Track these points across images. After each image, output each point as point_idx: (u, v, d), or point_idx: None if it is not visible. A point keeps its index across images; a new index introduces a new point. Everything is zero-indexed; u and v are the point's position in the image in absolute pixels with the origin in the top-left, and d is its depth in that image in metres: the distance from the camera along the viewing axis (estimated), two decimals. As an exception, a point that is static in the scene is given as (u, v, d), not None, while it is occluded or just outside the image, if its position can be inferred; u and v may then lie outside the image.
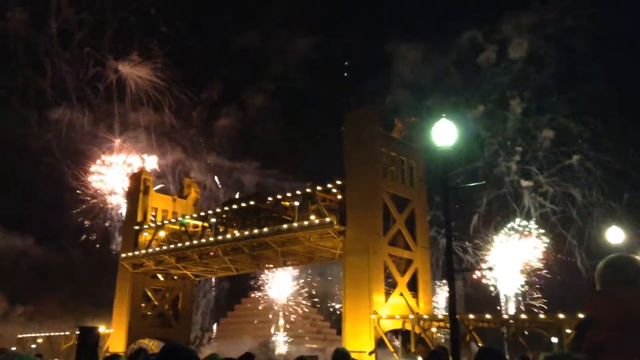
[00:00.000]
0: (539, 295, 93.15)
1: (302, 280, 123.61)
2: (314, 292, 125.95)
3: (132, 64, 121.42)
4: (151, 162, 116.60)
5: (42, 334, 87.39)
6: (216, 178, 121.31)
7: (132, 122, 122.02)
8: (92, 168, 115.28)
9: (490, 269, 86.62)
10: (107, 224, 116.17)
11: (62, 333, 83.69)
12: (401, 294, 58.05)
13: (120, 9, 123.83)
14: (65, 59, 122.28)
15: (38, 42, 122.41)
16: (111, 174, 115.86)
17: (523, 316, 54.12)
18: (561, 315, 48.48)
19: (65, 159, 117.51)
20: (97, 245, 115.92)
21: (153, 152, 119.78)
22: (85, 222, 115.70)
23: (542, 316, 50.88)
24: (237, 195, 78.10)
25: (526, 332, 52.19)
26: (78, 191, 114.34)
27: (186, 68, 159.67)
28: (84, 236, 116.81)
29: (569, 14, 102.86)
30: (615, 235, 24.95)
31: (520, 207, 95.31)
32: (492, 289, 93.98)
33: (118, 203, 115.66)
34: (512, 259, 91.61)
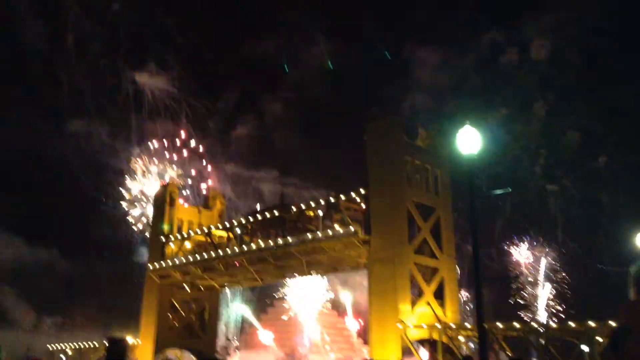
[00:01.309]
0: (568, 303, 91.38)
1: (322, 287, 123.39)
2: (339, 301, 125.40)
3: (148, 74, 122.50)
4: (170, 173, 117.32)
5: (72, 345, 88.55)
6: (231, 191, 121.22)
7: (150, 133, 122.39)
8: (112, 179, 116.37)
9: (513, 279, 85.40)
10: (132, 235, 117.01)
11: (90, 344, 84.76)
12: (428, 303, 57.52)
13: (136, 20, 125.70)
14: (81, 71, 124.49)
15: (54, 54, 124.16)
16: (133, 185, 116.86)
17: (553, 324, 53.14)
18: (591, 323, 47.51)
19: (85, 171, 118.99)
20: (126, 258, 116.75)
21: (171, 162, 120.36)
22: (108, 233, 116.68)
23: (572, 324, 49.85)
24: (257, 206, 78.45)
25: (556, 342, 51.24)
26: (101, 203, 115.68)
27: (202, 77, 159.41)
28: (106, 249, 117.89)
29: (591, 13, 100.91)
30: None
31: (545, 212, 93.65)
32: (520, 297, 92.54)
33: (140, 214, 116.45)
34: (538, 266, 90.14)
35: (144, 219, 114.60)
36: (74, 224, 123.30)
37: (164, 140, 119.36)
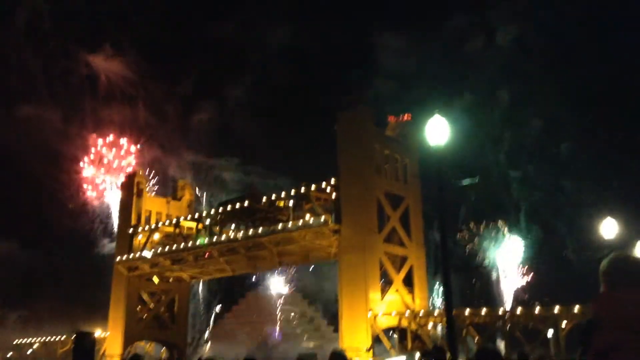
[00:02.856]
0: (533, 289, 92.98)
1: (293, 277, 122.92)
2: (308, 291, 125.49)
3: (104, 57, 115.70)
4: (127, 161, 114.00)
5: (38, 339, 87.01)
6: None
7: (106, 119, 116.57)
8: (69, 167, 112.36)
9: (484, 267, 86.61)
10: (95, 226, 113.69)
11: (58, 338, 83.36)
12: (397, 291, 58.23)
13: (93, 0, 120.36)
14: (32, 52, 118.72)
15: (3, 34, 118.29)
16: (91, 174, 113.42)
17: (519, 311, 54.36)
18: (556, 309, 48.74)
19: (38, 158, 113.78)
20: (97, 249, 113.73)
21: (128, 150, 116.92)
22: (68, 224, 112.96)
23: (537, 310, 51.09)
24: (223, 196, 77.16)
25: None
26: (61, 192, 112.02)
27: (160, 61, 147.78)
28: (66, 240, 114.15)
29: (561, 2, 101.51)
30: (609, 227, 25.05)
31: (509, 198, 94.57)
32: (487, 283, 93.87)
33: (101, 204, 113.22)
34: (504, 252, 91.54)
35: (105, 209, 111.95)
36: (32, 214, 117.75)
37: (120, 126, 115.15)
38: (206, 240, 68.67)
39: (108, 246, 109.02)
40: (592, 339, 3.91)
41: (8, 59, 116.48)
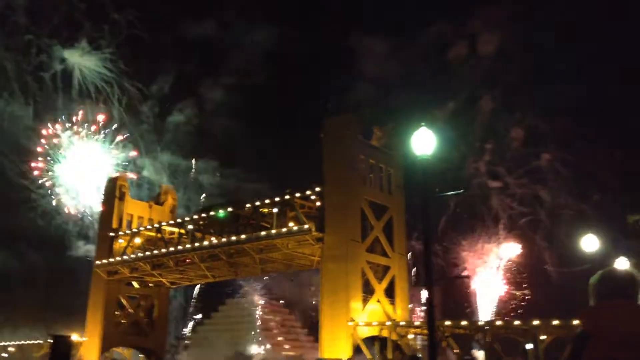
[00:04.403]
0: (514, 301, 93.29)
1: (272, 285, 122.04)
2: (287, 299, 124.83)
3: (79, 53, 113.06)
4: (102, 161, 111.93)
5: (14, 343, 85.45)
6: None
7: (80, 116, 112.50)
8: (41, 166, 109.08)
9: (467, 277, 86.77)
10: (68, 226, 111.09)
11: (34, 341, 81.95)
12: (378, 301, 58.19)
13: None
14: (5, 45, 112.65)
15: None
16: (65, 173, 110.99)
17: (498, 322, 54.60)
18: (536, 322, 49.04)
19: (8, 154, 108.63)
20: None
21: (102, 149, 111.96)
22: (40, 225, 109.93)
23: (517, 323, 51.37)
24: (202, 198, 76.11)
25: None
26: (30, 192, 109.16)
27: (137, 59, 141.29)
28: (38, 241, 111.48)
29: (540, 9, 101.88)
30: (590, 242, 25.31)
31: (488, 209, 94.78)
32: (467, 295, 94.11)
33: (76, 204, 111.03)
34: (483, 263, 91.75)
35: (79, 210, 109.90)
36: (2, 214, 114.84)
37: (94, 124, 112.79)
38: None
39: (83, 248, 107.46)
40: (582, 353, 3.89)
41: None
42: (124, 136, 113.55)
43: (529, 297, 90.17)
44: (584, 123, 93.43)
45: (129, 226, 77.34)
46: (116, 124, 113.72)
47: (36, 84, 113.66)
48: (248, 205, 64.81)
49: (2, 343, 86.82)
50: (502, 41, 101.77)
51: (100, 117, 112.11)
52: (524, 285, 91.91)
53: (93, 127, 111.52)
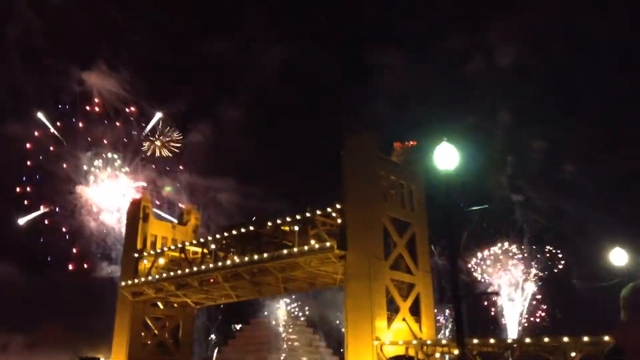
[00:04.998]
0: (540, 317, 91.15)
1: (296, 304, 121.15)
2: (311, 318, 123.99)
3: (98, 75, 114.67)
4: (122, 182, 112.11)
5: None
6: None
7: (99, 138, 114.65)
8: (62, 188, 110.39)
9: (497, 293, 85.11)
10: (90, 248, 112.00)
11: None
12: (404, 319, 57.46)
13: (85, 16, 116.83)
14: (25, 69, 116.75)
15: None
16: (87, 194, 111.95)
17: (527, 340, 53.46)
18: (565, 339, 47.93)
19: (30, 177, 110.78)
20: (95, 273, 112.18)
21: (122, 170, 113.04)
22: (64, 246, 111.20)
23: (546, 339, 50.23)
24: (219, 219, 76.34)
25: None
26: (54, 214, 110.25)
27: (155, 79, 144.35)
28: (64, 263, 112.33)
29: (561, 19, 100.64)
30: (619, 256, 24.75)
31: (512, 223, 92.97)
32: (492, 311, 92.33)
33: (100, 226, 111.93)
34: (510, 279, 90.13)
35: (104, 230, 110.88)
36: (28, 236, 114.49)
37: (114, 145, 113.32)
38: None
39: (106, 269, 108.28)
40: None
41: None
42: (144, 156, 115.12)
43: (557, 313, 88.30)
44: (608, 134, 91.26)
45: (153, 247, 77.91)
46: (135, 145, 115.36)
47: (55, 105, 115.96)
48: (269, 223, 64.83)
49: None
50: (521, 53, 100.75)
51: (119, 138, 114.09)
52: (550, 301, 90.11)
53: (113, 148, 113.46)
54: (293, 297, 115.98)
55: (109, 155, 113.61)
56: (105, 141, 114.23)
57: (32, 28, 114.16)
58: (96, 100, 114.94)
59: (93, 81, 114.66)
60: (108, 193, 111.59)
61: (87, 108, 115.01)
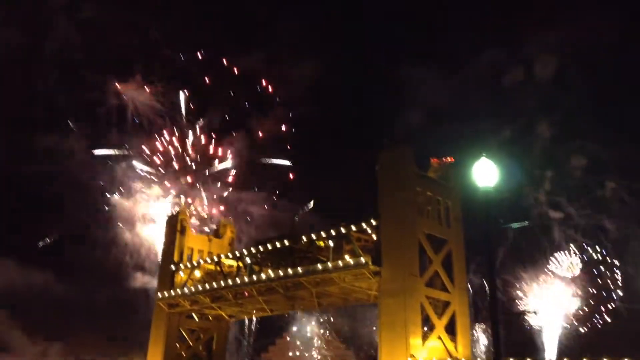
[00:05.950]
0: (578, 338, 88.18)
1: (328, 319, 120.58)
2: (344, 333, 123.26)
3: (133, 87, 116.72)
4: (155, 192, 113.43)
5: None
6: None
7: (133, 150, 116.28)
8: (97, 198, 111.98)
9: (534, 312, 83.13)
10: (124, 259, 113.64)
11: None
12: (439, 337, 56.62)
13: (121, 31, 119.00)
14: (62, 81, 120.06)
15: (33, 64, 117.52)
16: (121, 205, 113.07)
17: (567, 361, 52.09)
18: (607, 361, 46.54)
19: (67, 189, 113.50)
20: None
21: (156, 182, 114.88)
22: (99, 257, 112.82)
23: (587, 362, 48.84)
24: (252, 230, 76.54)
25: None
26: (90, 225, 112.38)
27: (188, 93, 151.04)
28: (99, 273, 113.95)
29: (597, 31, 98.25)
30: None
31: (550, 241, 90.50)
32: (529, 329, 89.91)
33: (133, 237, 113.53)
34: (550, 299, 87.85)
35: (136, 241, 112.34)
36: (64, 246, 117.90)
37: (148, 157, 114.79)
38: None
39: (140, 280, 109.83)
40: None
41: (35, 89, 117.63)
42: (179, 168, 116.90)
43: (598, 333, 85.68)
44: None
45: (190, 259, 78.91)
46: (170, 157, 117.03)
47: (91, 118, 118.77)
48: (304, 238, 64.98)
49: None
50: (560, 65, 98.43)
51: (155, 151, 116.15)
52: (590, 322, 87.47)
53: (148, 160, 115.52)
54: (327, 312, 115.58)
55: (144, 167, 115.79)
56: (145, 152, 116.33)
57: (69, 41, 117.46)
58: (131, 111, 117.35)
59: (129, 94, 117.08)
60: (143, 204, 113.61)
61: (122, 120, 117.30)
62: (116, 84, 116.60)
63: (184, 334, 78.42)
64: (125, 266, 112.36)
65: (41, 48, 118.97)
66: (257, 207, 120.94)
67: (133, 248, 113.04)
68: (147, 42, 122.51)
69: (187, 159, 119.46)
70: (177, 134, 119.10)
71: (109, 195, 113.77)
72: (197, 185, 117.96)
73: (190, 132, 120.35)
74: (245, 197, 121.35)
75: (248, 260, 69.28)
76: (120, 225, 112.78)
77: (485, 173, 14.50)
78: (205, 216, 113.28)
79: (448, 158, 64.79)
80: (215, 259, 74.43)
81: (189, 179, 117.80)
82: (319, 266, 61.33)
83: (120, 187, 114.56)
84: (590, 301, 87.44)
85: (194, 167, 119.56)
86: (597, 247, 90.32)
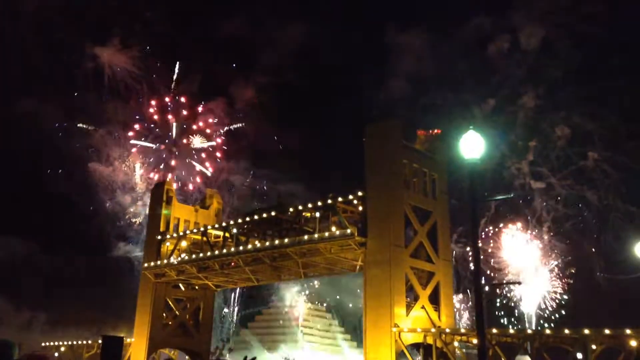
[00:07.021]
0: (557, 308, 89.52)
1: (314, 289, 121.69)
2: (330, 303, 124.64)
3: (111, 51, 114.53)
4: (137, 162, 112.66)
5: (65, 343, 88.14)
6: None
7: (109, 114, 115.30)
8: (75, 168, 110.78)
9: (518, 283, 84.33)
10: (108, 228, 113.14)
11: (84, 341, 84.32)
12: (423, 307, 57.54)
13: None
14: (38, 45, 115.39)
15: (8, 25, 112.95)
16: (102, 173, 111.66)
17: (547, 331, 53.22)
18: (586, 331, 47.57)
19: (46, 158, 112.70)
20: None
21: (132, 147, 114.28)
22: (81, 226, 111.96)
23: (567, 331, 49.89)
24: (233, 200, 76.39)
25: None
26: (70, 195, 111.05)
27: (166, 57, 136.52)
28: (81, 242, 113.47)
29: (585, 1, 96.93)
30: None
31: (532, 211, 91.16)
32: (508, 301, 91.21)
33: (113, 205, 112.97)
34: (529, 268, 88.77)
35: (117, 210, 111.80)
36: (47, 215, 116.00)
37: (123, 123, 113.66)
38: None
39: (123, 249, 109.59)
40: None
41: (11, 51, 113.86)
42: (157, 137, 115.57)
43: (577, 304, 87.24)
44: (634, 121, 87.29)
45: (176, 230, 78.90)
46: (147, 124, 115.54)
47: (67, 81, 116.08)
48: (291, 209, 65.16)
49: (54, 343, 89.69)
50: (546, 35, 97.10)
51: (132, 115, 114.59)
52: (570, 292, 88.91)
53: (126, 126, 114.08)
54: (312, 281, 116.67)
55: (122, 132, 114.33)
56: (116, 118, 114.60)
57: (49, 5, 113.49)
58: (108, 76, 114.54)
59: (106, 57, 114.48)
60: (122, 172, 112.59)
61: (99, 84, 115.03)
62: (93, 47, 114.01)
63: (171, 304, 78.84)
64: (108, 235, 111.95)
65: (18, 10, 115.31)
66: (239, 177, 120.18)
67: (114, 216, 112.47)
68: (126, 5, 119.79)
69: (167, 124, 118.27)
70: (155, 100, 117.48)
71: (88, 164, 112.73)
72: (176, 152, 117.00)
73: (167, 98, 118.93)
74: (226, 166, 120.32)
75: (235, 230, 69.46)
76: (100, 193, 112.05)
77: (473, 145, 14.52)
78: (190, 188, 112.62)
79: (435, 130, 64.91)
80: (202, 229, 74.53)
81: (170, 148, 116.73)
82: (305, 237, 61.71)
83: (99, 154, 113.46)
84: (572, 271, 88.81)
85: (173, 134, 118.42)
86: (578, 217, 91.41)
